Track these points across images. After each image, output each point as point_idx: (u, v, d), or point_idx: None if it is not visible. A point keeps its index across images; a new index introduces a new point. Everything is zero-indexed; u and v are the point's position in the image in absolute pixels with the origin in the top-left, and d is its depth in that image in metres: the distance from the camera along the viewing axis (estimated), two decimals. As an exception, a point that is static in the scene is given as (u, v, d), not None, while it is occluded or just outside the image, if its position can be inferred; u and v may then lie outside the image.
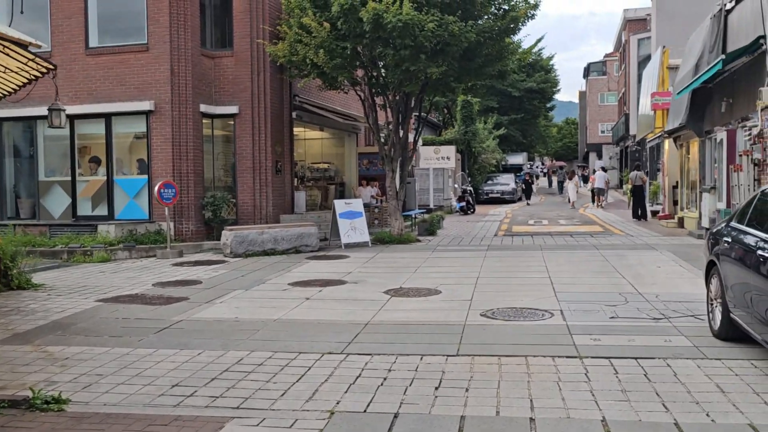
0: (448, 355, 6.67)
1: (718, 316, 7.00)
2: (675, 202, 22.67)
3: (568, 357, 6.49)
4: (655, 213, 24.08)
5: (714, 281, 7.20)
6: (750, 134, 13.48)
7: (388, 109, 16.98)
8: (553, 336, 7.33)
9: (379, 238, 16.87)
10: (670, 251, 14.10)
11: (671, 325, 7.67)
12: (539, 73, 50.56)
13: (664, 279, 10.87)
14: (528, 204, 36.06)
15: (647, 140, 29.95)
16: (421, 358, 6.58)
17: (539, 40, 52.18)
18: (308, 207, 20.90)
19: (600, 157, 65.57)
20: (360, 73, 16.81)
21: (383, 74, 15.98)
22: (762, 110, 12.84)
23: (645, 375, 5.89)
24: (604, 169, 37.01)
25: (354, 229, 16.09)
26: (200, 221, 16.56)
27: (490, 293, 9.91)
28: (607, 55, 74.94)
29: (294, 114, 18.12)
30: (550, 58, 53.13)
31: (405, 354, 6.74)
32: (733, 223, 7.08)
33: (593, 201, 33.49)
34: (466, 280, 11.12)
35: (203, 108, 16.62)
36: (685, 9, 27.71)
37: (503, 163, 49.18)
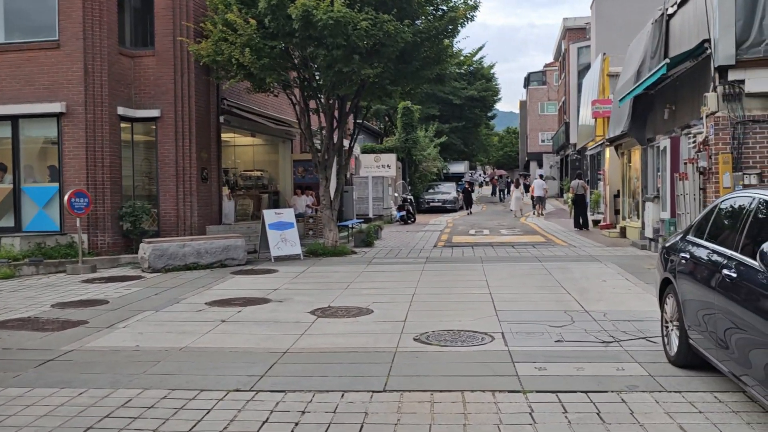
0: (373, 391, 5.76)
1: (675, 341, 6.30)
2: (617, 211, 22.36)
3: (510, 392, 5.66)
4: (596, 222, 23.75)
5: (670, 302, 6.49)
6: (695, 141, 13.05)
7: (322, 114, 16.05)
8: (493, 365, 6.50)
9: (312, 250, 15.91)
10: (615, 263, 13.54)
11: (623, 350, 6.94)
12: (480, 81, 50.39)
13: (610, 294, 10.21)
14: (469, 213, 35.04)
15: (588, 149, 29.77)
16: (342, 395, 5.66)
17: (480, 49, 51.99)
18: (239, 217, 19.78)
19: (540, 166, 65.95)
20: (291, 74, 15.85)
21: (315, 76, 15.02)
22: (707, 117, 12.41)
23: (598, 414, 5.10)
24: (542, 177, 37.07)
25: (285, 241, 15.08)
26: (118, 233, 15.29)
27: (426, 312, 9.06)
28: (547, 65, 75.71)
29: (222, 118, 17.02)
30: (491, 66, 53.08)
31: (324, 390, 5.81)
32: (691, 237, 6.38)
33: (534, 209, 33.64)
34: (401, 297, 10.25)
35: (121, 111, 15.37)
36: (625, 17, 27.65)
37: (444, 171, 48.74)
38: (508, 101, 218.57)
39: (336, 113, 16.42)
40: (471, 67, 51.49)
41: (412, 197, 29.59)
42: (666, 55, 15.55)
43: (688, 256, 6.09)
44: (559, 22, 50.25)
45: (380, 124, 52.39)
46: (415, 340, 7.57)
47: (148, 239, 14.21)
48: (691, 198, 12.65)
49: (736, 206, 5.71)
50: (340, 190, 16.73)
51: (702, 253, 5.84)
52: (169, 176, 15.90)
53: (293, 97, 15.92)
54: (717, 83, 12.16)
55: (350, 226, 21.22)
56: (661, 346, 6.82)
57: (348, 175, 28.06)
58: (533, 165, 71.98)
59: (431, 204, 36.89)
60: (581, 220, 22.98)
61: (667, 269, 6.61)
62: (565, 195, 39.69)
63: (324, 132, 16.03)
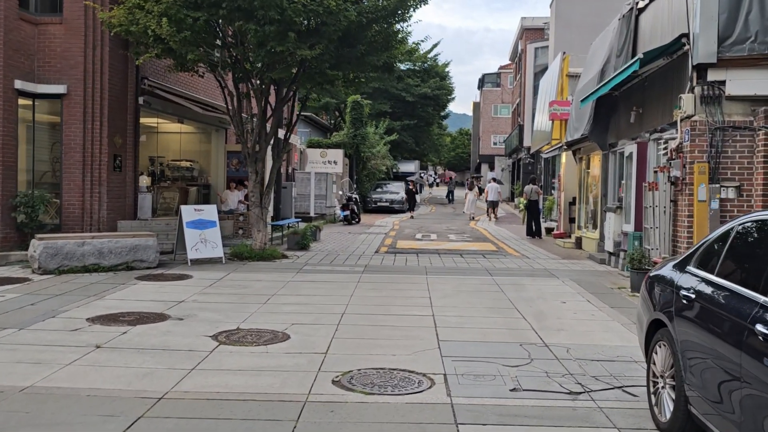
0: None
1: (668, 404, 4.80)
2: (571, 220, 21.11)
3: (451, 481, 4.06)
4: (549, 230, 22.48)
5: (661, 351, 4.98)
6: (666, 148, 11.71)
7: (254, 100, 14.27)
8: (430, 428, 4.90)
9: (237, 253, 14.12)
10: (573, 280, 12.12)
11: (595, 406, 5.42)
12: (434, 79, 49.04)
13: (572, 321, 8.74)
14: (412, 217, 31.49)
15: (542, 152, 28.57)
16: (216, 482, 3.98)
17: (435, 45, 50.94)
18: (162, 212, 17.89)
19: (492, 168, 65.03)
20: (220, 53, 14.01)
21: (247, 55, 13.21)
22: (682, 120, 11.09)
23: None
24: (496, 181, 35.72)
25: (204, 242, 13.27)
26: (10, 226, 13.25)
27: (354, 341, 7.42)
28: (502, 67, 74.96)
29: (141, 100, 15.08)
30: (446, 65, 51.82)
31: (192, 471, 4.12)
32: (694, 269, 4.87)
33: (488, 213, 32.73)
34: (328, 317, 8.60)
35: (19, 85, 13.32)
36: (585, 17, 26.52)
37: (394, 170, 47.24)
38: (462, 103, 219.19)
39: (271, 100, 14.64)
40: (425, 64, 50.13)
41: (357, 196, 27.93)
42: (634, 53, 14.25)
43: (692, 295, 4.58)
44: (516, 25, 49.24)
45: (330, 119, 50.69)
46: (334, 382, 5.93)
47: (41, 235, 12.22)
48: (660, 211, 11.31)
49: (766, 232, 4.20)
50: (271, 186, 14.95)
51: (717, 294, 4.32)
52: (75, 163, 13.91)
53: (221, 79, 14.06)
54: (695, 83, 10.83)
55: (287, 225, 19.47)
56: (644, 403, 5.34)
57: (290, 170, 26.28)
58: (485, 167, 71.12)
59: (378, 204, 35.30)
60: (534, 228, 21.67)
61: (659, 308, 5.11)
62: (516, 200, 38.61)
63: (255, 120, 14.23)
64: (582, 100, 16.03)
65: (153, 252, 12.57)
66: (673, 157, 11.24)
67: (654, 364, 5.11)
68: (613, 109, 15.95)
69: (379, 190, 37.27)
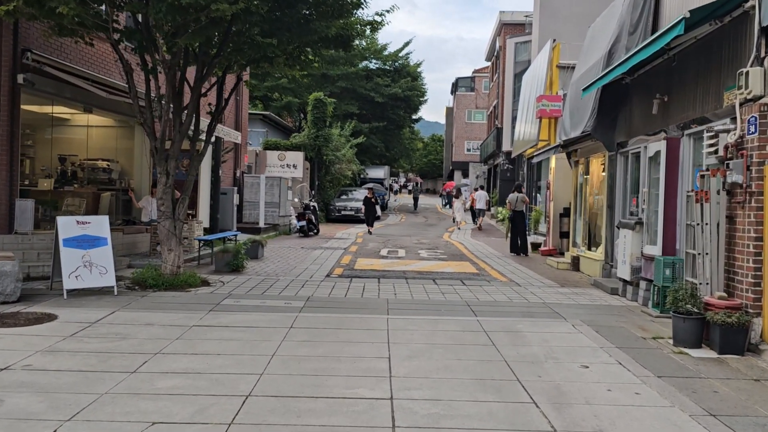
0: None
1: None
2: (563, 234, 17.99)
3: None
4: (536, 246, 19.34)
5: None
6: (715, 144, 8.56)
7: (162, 75, 10.88)
8: None
9: (139, 279, 10.70)
10: (586, 322, 8.90)
11: None
12: (405, 79, 45.88)
13: (611, 410, 5.49)
14: (370, 232, 25.29)
15: (524, 157, 25.49)
16: None
17: (407, 44, 47.59)
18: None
19: (466, 175, 62.14)
20: (110, 10, 10.55)
21: (147, 12, 9.77)
22: (742, 105, 7.96)
23: None
24: (482, 188, 33.74)
25: (89, 266, 9.82)
26: None
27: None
28: (476, 71, 72.24)
29: (22, 78, 11.58)
30: (418, 64, 48.69)
31: None
32: None
33: (474, 221, 31.38)
34: (221, 406, 5.28)
35: None
36: (573, 7, 23.58)
37: (362, 176, 43.93)
38: (434, 111, 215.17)
39: (185, 76, 11.26)
40: (396, 63, 47.03)
41: (315, 204, 24.52)
42: (655, 28, 11.20)
43: None
44: (487, 36, 46.28)
45: (295, 121, 47.33)
46: None
47: None
48: (711, 229, 8.13)
49: None
50: (188, 191, 11.54)
51: None
52: None
53: (115, 48, 10.61)
54: (764, 53, 7.72)
55: (224, 240, 16.05)
56: None
57: (237, 174, 22.87)
58: (458, 174, 68.23)
59: (343, 212, 31.93)
60: (519, 243, 18.50)
61: None
62: (494, 209, 35.57)
63: (164, 104, 10.82)
64: (585, 89, 12.89)
65: (11, 281, 9.11)
66: (729, 156, 8.11)
67: None
68: (622, 100, 12.85)
69: (344, 197, 33.91)
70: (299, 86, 42.54)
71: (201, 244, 14.47)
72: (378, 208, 24.68)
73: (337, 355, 6.94)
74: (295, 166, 30.21)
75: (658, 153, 10.33)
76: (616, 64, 10.82)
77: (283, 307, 9.42)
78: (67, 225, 9.85)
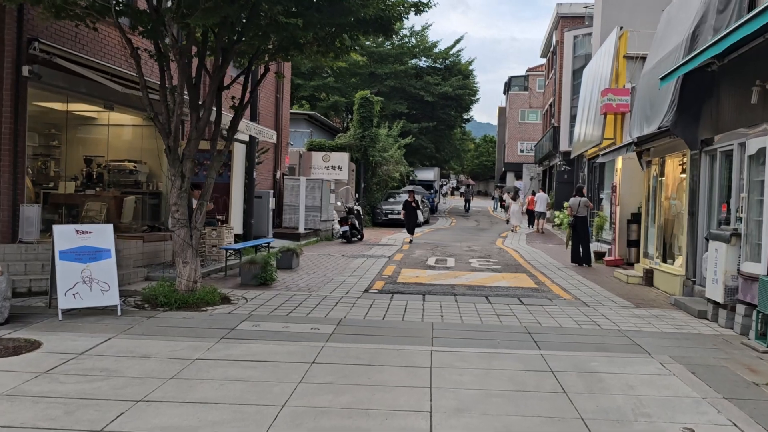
0: None
1: None
2: (630, 243, 16.18)
3: None
4: (599, 255, 17.52)
5: None
6: None
7: (174, 64, 9.58)
8: None
9: (149, 296, 9.41)
10: (676, 360, 7.21)
11: None
12: (456, 77, 44.21)
13: None
14: (410, 241, 22.40)
15: (584, 158, 23.62)
16: None
17: (458, 41, 45.88)
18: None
19: (519, 177, 60.07)
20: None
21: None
22: None
23: None
24: (542, 190, 32.75)
25: (89, 282, 8.56)
26: None
27: None
28: (530, 69, 70.12)
29: (27, 70, 10.44)
30: (470, 62, 46.95)
31: None
32: None
33: (530, 224, 31.35)
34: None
35: None
36: (639, -6, 21.61)
37: (411, 178, 42.40)
38: (487, 113, 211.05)
39: (207, 65, 9.95)
40: (446, 61, 45.40)
41: (359, 208, 23.07)
42: (753, 3, 9.46)
43: None
44: (541, 36, 44.19)
45: (343, 122, 46.18)
46: None
47: None
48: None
49: None
50: (207, 196, 10.20)
51: None
52: None
53: (121, 32, 9.34)
54: None
55: (257, 248, 14.75)
56: None
57: (277, 176, 21.64)
58: (510, 176, 66.24)
59: (390, 216, 30.42)
60: (582, 252, 16.72)
61: None
62: (549, 213, 33.65)
63: (176, 96, 9.50)
64: (663, 78, 11.13)
65: (-3, 299, 7.89)
66: None
67: None
68: (707, 90, 11.07)
69: (391, 200, 32.43)
70: (346, 86, 41.33)
71: (229, 254, 13.17)
72: (420, 213, 22.21)
73: (365, 407, 5.45)
74: (340, 168, 28.95)
75: (762, 151, 8.55)
76: (706, 46, 9.06)
77: (309, 334, 7.98)
78: (64, 235, 8.60)
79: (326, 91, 41.93)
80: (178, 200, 9.68)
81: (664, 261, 13.20)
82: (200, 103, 9.98)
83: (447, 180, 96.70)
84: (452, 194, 78.50)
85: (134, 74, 11.74)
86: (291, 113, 33.13)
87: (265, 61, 10.94)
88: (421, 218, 21.61)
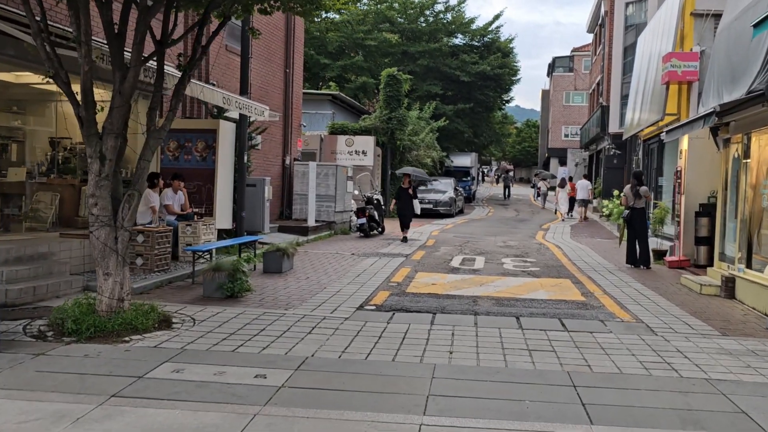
0: None
1: None
2: (699, 240, 13.27)
3: None
4: (659, 254, 14.63)
5: None
6: None
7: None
8: None
9: (56, 320, 6.97)
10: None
11: None
12: (495, 55, 41.10)
13: None
14: (405, 239, 17.86)
15: (639, 139, 20.61)
16: None
17: (498, 16, 42.72)
18: (31, 221, 11.02)
19: (563, 163, 56.81)
20: None
21: None
22: None
23: None
24: (585, 178, 30.67)
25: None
26: None
27: None
28: (575, 49, 66.37)
29: None
30: (510, 40, 43.80)
31: None
32: None
33: (569, 212, 30.03)
34: None
35: None
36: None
37: (447, 165, 39.56)
38: (530, 98, 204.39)
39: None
40: (484, 38, 42.32)
41: (380, 197, 20.43)
42: None
43: None
44: (584, 21, 40.71)
45: (372, 104, 43.59)
46: None
47: None
48: None
49: None
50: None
51: None
52: None
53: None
54: None
55: (240, 247, 12.28)
56: None
57: (286, 162, 19.18)
58: (554, 162, 62.84)
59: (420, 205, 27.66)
60: (639, 252, 13.84)
61: None
62: (597, 202, 30.68)
63: (84, 45, 6.97)
64: (757, 24, 8.27)
65: None
66: None
67: None
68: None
69: (422, 188, 29.61)
70: (377, 66, 38.66)
71: (196, 256, 10.68)
72: (417, 202, 17.94)
73: None
74: (364, 153, 26.43)
75: None
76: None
77: (246, 389, 5.41)
78: None
79: (355, 72, 39.31)
80: (96, 190, 7.22)
81: (749, 266, 10.30)
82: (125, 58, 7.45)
83: (489, 167, 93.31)
84: (497, 182, 75.23)
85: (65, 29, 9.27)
86: (313, 93, 30.66)
87: (225, 11, 8.32)
88: (417, 209, 17.94)
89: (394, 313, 8.52)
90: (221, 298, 9.06)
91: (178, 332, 7.19)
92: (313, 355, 6.43)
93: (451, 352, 6.66)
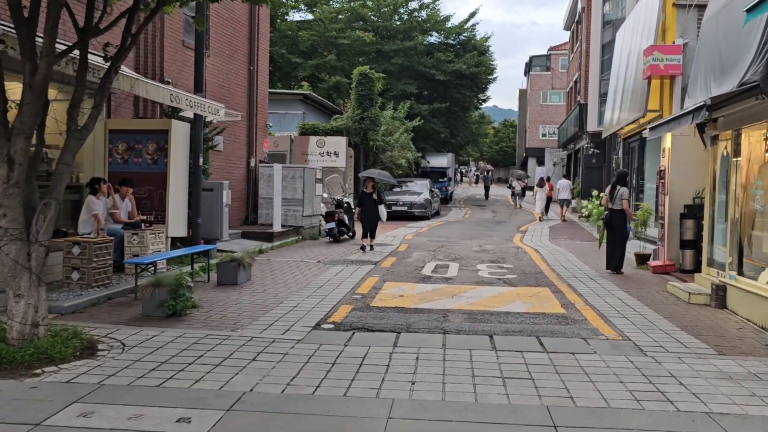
0: None
1: None
2: (685, 244, 12.54)
3: None
4: (643, 259, 13.89)
5: None
6: None
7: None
8: None
9: (-48, 351, 6.00)
10: None
11: None
12: (471, 53, 40.35)
13: None
14: (368, 247, 16.08)
15: (619, 137, 19.92)
16: None
17: (473, 14, 41.86)
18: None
19: (541, 163, 56.36)
20: None
21: None
22: None
23: None
24: (566, 177, 30.18)
25: None
26: None
27: None
28: (552, 48, 66.10)
29: None
30: (487, 38, 43.05)
31: None
32: None
33: (546, 213, 29.69)
34: None
35: None
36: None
37: (422, 165, 38.76)
38: (507, 99, 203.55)
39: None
40: (460, 36, 41.58)
41: (350, 200, 19.49)
42: None
43: None
44: (563, 17, 40.06)
45: (346, 104, 42.67)
46: None
47: None
48: None
49: None
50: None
51: None
52: None
53: None
54: None
55: (192, 257, 11.32)
56: None
57: (252, 164, 18.22)
58: (532, 161, 62.41)
59: (393, 208, 26.77)
60: (619, 256, 13.08)
61: None
62: (576, 202, 30.06)
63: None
64: (750, 9, 7.50)
65: None
66: None
67: None
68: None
69: (396, 189, 28.85)
70: (351, 65, 37.74)
71: (139, 269, 9.71)
72: (383, 208, 16.59)
73: None
74: (336, 154, 25.53)
75: None
76: None
77: (162, 438, 4.50)
78: None
79: (328, 71, 38.37)
80: (4, 199, 6.24)
81: (741, 272, 9.55)
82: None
83: (467, 167, 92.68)
84: (476, 183, 74.57)
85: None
86: (283, 93, 29.74)
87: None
88: (383, 215, 16.59)
89: (353, 333, 7.63)
90: (162, 317, 8.11)
91: (102, 362, 6.24)
92: (252, 390, 5.52)
93: (413, 383, 5.79)
